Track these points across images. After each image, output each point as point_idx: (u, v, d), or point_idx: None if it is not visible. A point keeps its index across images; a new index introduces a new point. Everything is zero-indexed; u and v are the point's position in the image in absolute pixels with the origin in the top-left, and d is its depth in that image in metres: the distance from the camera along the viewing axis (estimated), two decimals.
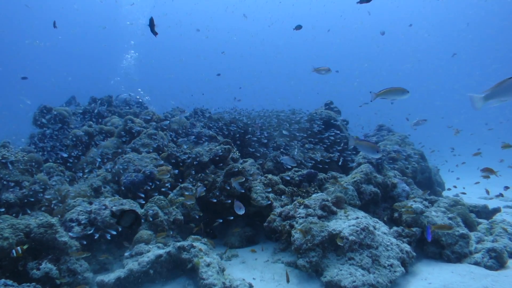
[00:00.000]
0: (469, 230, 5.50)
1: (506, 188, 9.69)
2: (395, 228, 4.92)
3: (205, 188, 5.13)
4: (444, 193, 10.01)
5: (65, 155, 6.98)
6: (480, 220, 6.34)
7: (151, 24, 4.71)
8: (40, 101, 9.14)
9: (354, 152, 7.86)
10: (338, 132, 7.84)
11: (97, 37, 50.71)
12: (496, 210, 6.83)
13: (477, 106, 3.45)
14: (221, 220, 5.13)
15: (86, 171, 6.60)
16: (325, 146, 7.59)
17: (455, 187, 9.46)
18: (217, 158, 5.69)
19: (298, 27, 8.98)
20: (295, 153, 7.16)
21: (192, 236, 4.86)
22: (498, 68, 49.54)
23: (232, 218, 5.16)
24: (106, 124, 8.21)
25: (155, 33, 4.77)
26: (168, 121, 7.68)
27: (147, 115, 7.90)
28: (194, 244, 4.40)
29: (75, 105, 11.36)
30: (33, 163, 6.09)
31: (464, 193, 9.68)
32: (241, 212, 4.35)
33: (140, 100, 12.25)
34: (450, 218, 5.01)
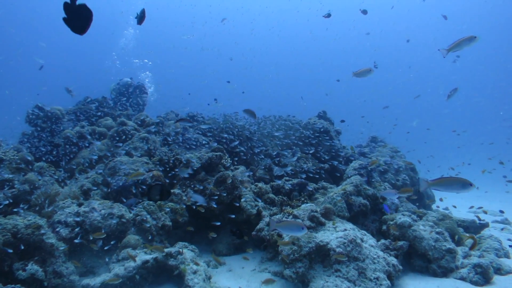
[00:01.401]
0: (457, 245, 5.54)
1: (502, 212, 9.79)
2: (382, 241, 4.94)
3: (203, 199, 5.12)
4: (435, 206, 10.10)
5: (48, 155, 6.96)
6: (468, 234, 6.39)
7: (141, 15, 4.61)
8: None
9: (342, 163, 7.90)
10: (331, 141, 7.87)
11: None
12: (484, 225, 6.88)
13: (422, 188, 3.92)
14: (215, 235, 5.13)
15: (77, 172, 6.58)
16: (317, 155, 7.61)
17: (441, 200, 9.52)
18: (208, 164, 5.69)
19: (328, 15, 9.15)
20: (287, 162, 7.18)
21: (180, 242, 4.85)
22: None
23: (219, 223, 5.15)
24: (99, 125, 8.19)
25: (140, 22, 4.68)
26: (161, 126, 7.68)
27: (139, 118, 7.90)
28: (182, 250, 4.40)
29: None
30: (24, 163, 6.06)
31: (454, 206, 9.74)
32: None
33: (140, 84, 12.31)
34: (438, 233, 5.03)
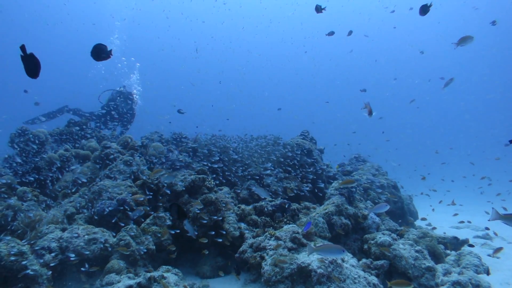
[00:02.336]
0: (437, 262, 5.66)
1: (487, 229, 9.98)
2: (364, 260, 5.03)
3: (192, 227, 5.15)
4: (417, 222, 10.24)
5: (32, 179, 6.95)
6: (448, 251, 6.53)
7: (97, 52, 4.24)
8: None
9: (325, 182, 8.02)
10: (314, 161, 7.99)
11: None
12: (464, 242, 7.03)
13: (491, 218, 3.97)
14: (207, 252, 5.17)
15: (60, 196, 6.57)
16: (300, 175, 7.71)
17: (424, 219, 9.69)
18: (191, 187, 5.75)
19: (331, 33, 9.36)
20: (271, 182, 7.27)
21: (164, 266, 4.88)
22: None
23: (206, 241, 5.20)
24: (83, 148, 8.20)
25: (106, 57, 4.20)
26: (144, 148, 7.73)
27: (123, 140, 7.93)
28: (165, 275, 4.43)
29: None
30: (6, 188, 6.05)
31: (434, 228, 9.89)
32: None
33: (127, 92, 12.39)
34: (417, 251, 5.14)
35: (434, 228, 9.65)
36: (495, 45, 48.27)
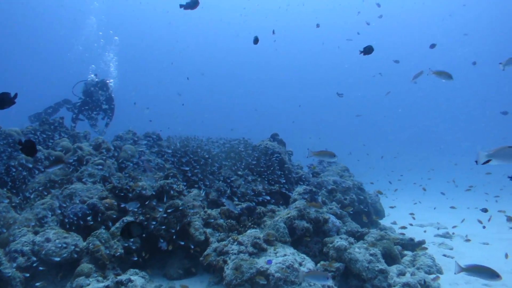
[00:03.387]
0: (394, 263, 6.03)
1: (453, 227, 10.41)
2: (321, 262, 5.37)
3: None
4: (383, 221, 10.66)
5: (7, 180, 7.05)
6: (405, 252, 6.91)
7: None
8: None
9: (294, 183, 8.32)
10: (283, 163, 8.28)
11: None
12: (421, 243, 7.42)
13: (480, 161, 3.92)
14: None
15: (32, 198, 6.70)
16: (269, 178, 7.99)
17: (394, 223, 10.16)
18: (160, 192, 5.97)
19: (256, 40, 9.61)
20: (239, 184, 7.55)
21: (131, 269, 5.10)
22: None
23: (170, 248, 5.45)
24: (55, 148, 8.29)
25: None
26: (118, 150, 7.89)
27: (96, 142, 8.06)
28: (132, 278, 4.66)
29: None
30: None
31: (403, 228, 10.29)
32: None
33: (101, 80, 12.43)
34: (371, 254, 5.49)
35: (404, 227, 10.06)
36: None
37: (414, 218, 10.60)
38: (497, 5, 47.44)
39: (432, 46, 12.89)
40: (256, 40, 6.35)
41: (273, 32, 12.94)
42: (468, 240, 8.88)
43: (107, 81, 12.64)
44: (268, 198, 7.14)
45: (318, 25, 13.34)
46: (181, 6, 5.41)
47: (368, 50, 5.95)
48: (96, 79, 12.45)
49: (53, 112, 12.10)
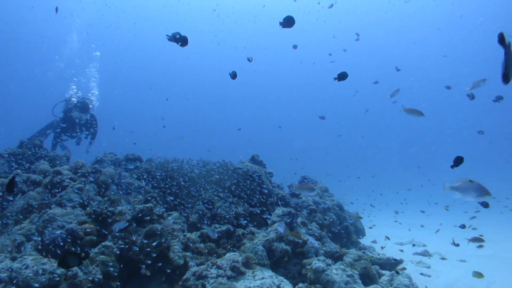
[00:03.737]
0: (371, 283, 6.13)
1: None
2: (299, 285, 5.44)
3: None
4: (363, 240, 10.81)
5: None
6: (383, 271, 7.03)
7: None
8: None
9: (274, 204, 8.42)
10: (262, 185, 8.37)
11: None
12: (399, 262, 7.56)
13: (445, 190, 4.06)
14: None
15: (10, 223, 6.64)
16: (249, 200, 8.06)
17: (374, 242, 10.31)
18: (140, 216, 5.99)
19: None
20: (219, 205, 7.61)
21: None
22: None
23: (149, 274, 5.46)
24: (35, 172, 8.25)
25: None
26: (98, 174, 7.88)
27: (76, 165, 8.04)
28: None
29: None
30: None
31: (382, 248, 10.45)
32: None
33: (81, 99, 12.39)
34: (348, 275, 5.59)
35: (382, 247, 10.22)
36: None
37: (388, 239, 10.74)
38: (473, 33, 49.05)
39: (397, 69, 13.34)
40: (234, 76, 6.43)
41: (295, 47, 13.21)
42: (444, 259, 9.05)
43: (87, 99, 12.66)
44: (246, 222, 7.20)
45: (295, 46, 13.63)
46: (168, 38, 5.48)
47: (342, 76, 6.15)
48: (75, 99, 12.46)
49: (41, 136, 12.03)
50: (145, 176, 8.54)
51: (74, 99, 12.48)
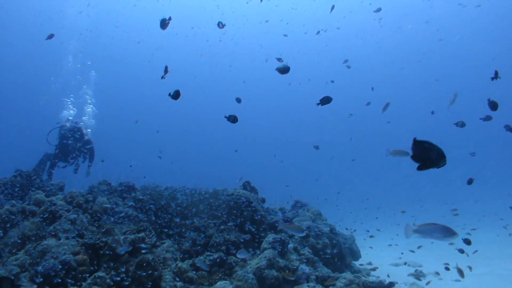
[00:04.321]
0: None
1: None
2: None
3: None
4: (360, 260, 10.86)
5: None
6: None
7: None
8: None
9: (266, 231, 8.50)
10: (254, 211, 8.47)
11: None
12: (392, 284, 7.61)
13: (407, 234, 4.07)
14: None
15: (5, 254, 6.70)
16: (241, 226, 8.14)
17: (370, 263, 10.37)
18: (132, 246, 6.07)
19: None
20: (212, 233, 7.70)
21: None
22: None
23: None
24: (29, 203, 8.33)
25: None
26: (91, 203, 7.97)
27: (71, 195, 8.14)
28: None
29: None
30: None
31: (373, 270, 10.47)
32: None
33: (75, 125, 12.46)
34: None
35: (373, 269, 10.25)
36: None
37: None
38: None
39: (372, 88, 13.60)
40: (234, 119, 6.54)
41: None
42: (438, 275, 9.11)
43: (81, 125, 12.77)
44: (235, 251, 7.29)
45: (280, 59, 13.83)
46: (169, 95, 5.92)
47: (325, 101, 6.32)
48: (68, 124, 12.57)
49: (41, 166, 12.13)
50: (139, 206, 8.62)
51: (68, 124, 12.59)
